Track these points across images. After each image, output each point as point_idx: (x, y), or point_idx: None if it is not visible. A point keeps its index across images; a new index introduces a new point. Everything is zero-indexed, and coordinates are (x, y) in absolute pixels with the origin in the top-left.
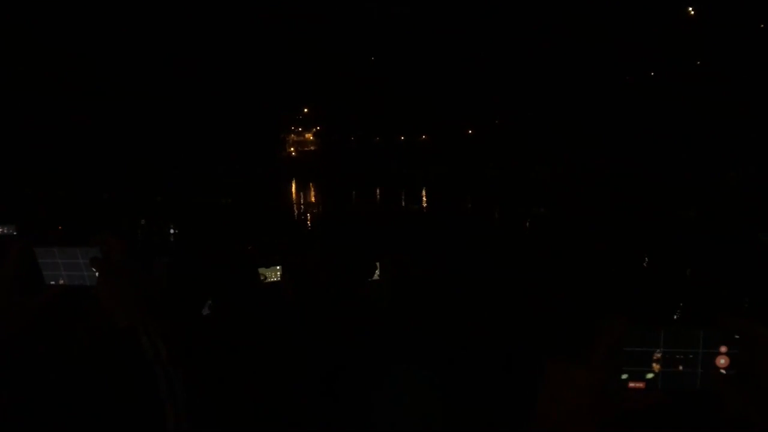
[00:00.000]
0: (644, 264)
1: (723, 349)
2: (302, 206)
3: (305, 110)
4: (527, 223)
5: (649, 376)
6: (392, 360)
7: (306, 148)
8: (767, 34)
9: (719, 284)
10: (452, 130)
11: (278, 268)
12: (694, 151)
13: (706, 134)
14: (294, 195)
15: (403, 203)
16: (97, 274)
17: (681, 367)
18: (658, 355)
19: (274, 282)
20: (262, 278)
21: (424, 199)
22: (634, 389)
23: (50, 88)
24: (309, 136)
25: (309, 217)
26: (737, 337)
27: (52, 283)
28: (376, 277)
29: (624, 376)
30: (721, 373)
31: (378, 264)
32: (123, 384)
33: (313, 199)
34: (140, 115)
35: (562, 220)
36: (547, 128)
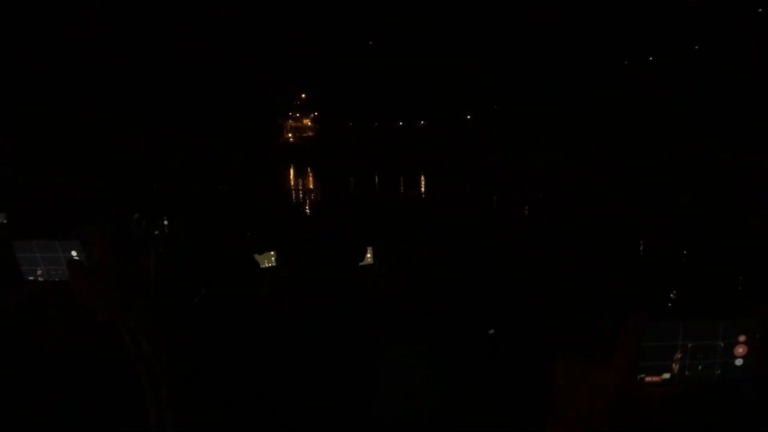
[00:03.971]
0: (652, 256)
1: (742, 338)
2: (300, 192)
3: (303, 96)
4: (526, 209)
5: (669, 373)
6: (391, 342)
7: (304, 134)
8: (765, 19)
9: (731, 273)
10: (451, 115)
11: (272, 253)
12: (690, 136)
13: (702, 119)
14: (292, 181)
15: (402, 189)
16: (69, 272)
17: (701, 359)
18: (679, 350)
19: (269, 268)
20: (257, 265)
21: (423, 185)
22: (652, 383)
23: (44, 79)
24: (307, 122)
25: (306, 204)
26: (762, 326)
27: (31, 278)
28: (367, 261)
29: (643, 374)
30: (740, 362)
31: (369, 248)
32: (104, 379)
33: (311, 186)
34: (136, 103)
35: (561, 205)
36: (546, 114)
